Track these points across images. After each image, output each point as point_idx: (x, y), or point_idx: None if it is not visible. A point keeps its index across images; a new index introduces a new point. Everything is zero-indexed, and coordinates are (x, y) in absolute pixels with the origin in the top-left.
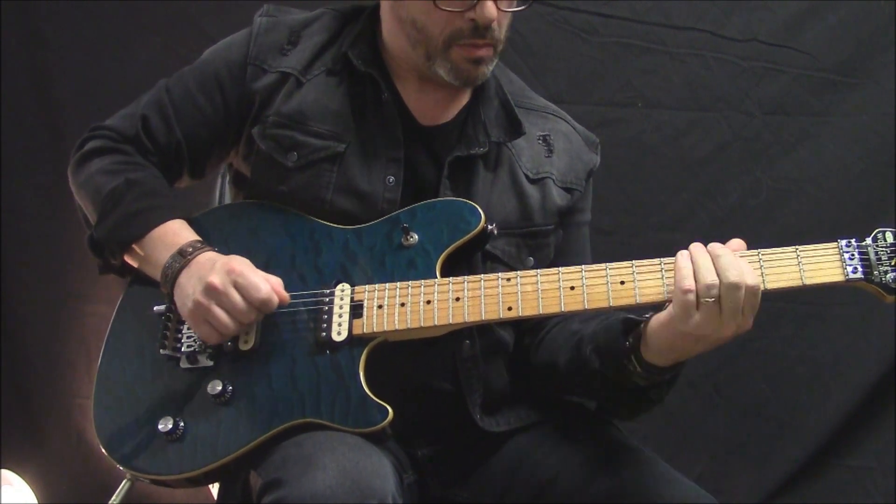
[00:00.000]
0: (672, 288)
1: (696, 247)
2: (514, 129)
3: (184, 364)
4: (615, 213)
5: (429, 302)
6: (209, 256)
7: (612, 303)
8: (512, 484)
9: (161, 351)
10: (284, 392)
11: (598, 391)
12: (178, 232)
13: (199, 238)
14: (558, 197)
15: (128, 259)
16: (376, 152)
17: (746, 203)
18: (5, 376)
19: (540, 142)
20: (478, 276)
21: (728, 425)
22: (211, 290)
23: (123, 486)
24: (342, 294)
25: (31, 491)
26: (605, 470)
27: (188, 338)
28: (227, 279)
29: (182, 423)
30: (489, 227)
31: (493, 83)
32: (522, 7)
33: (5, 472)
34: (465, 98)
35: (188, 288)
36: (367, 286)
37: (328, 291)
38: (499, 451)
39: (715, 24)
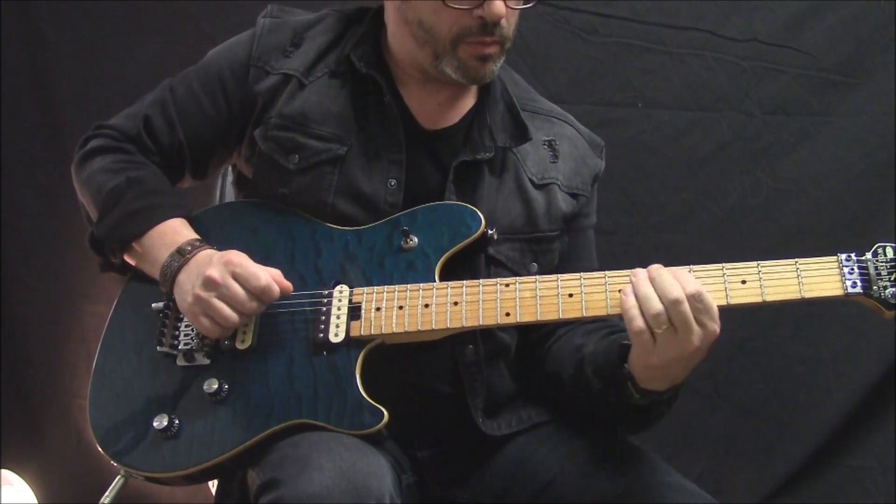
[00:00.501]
0: None
1: (637, 275)
2: (521, 134)
3: (180, 362)
4: (615, 213)
5: (427, 306)
6: (207, 253)
7: (611, 311)
8: (512, 485)
9: (158, 348)
10: (281, 392)
11: (602, 409)
12: (177, 230)
13: (198, 237)
14: (564, 203)
15: (127, 257)
16: (378, 155)
17: (746, 203)
18: (5, 376)
19: (545, 147)
20: (476, 281)
21: (728, 425)
22: (210, 283)
23: (117, 482)
24: (340, 295)
25: (30, 491)
26: (605, 471)
27: (186, 335)
28: (226, 271)
29: (177, 421)
30: (489, 231)
31: (498, 86)
32: (529, 4)
33: (5, 472)
34: (469, 102)
35: (187, 284)
36: (365, 288)
37: (326, 292)
38: (499, 453)
39: (715, 24)
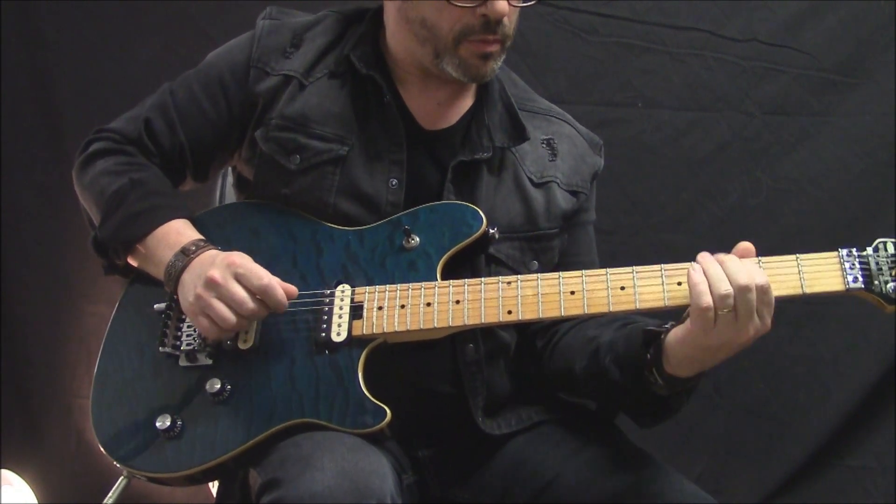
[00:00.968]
0: (673, 295)
1: (705, 257)
2: (518, 134)
3: (183, 362)
4: (615, 213)
5: (429, 304)
6: (211, 254)
7: (612, 308)
8: (512, 485)
9: (160, 349)
10: (283, 392)
11: (617, 400)
12: (181, 231)
13: (202, 237)
14: (563, 200)
15: (131, 259)
16: (379, 155)
17: (746, 203)
18: (5, 376)
19: (544, 146)
20: (478, 279)
21: (728, 425)
22: (211, 283)
23: (119, 483)
24: (342, 295)
25: (30, 491)
26: (606, 471)
27: (188, 336)
28: (228, 272)
29: (180, 422)
30: (490, 230)
31: (496, 86)
32: (531, 2)
33: (5, 472)
34: (468, 102)
35: (190, 284)
36: (367, 287)
37: (328, 292)
38: (499, 452)
39: (715, 24)
